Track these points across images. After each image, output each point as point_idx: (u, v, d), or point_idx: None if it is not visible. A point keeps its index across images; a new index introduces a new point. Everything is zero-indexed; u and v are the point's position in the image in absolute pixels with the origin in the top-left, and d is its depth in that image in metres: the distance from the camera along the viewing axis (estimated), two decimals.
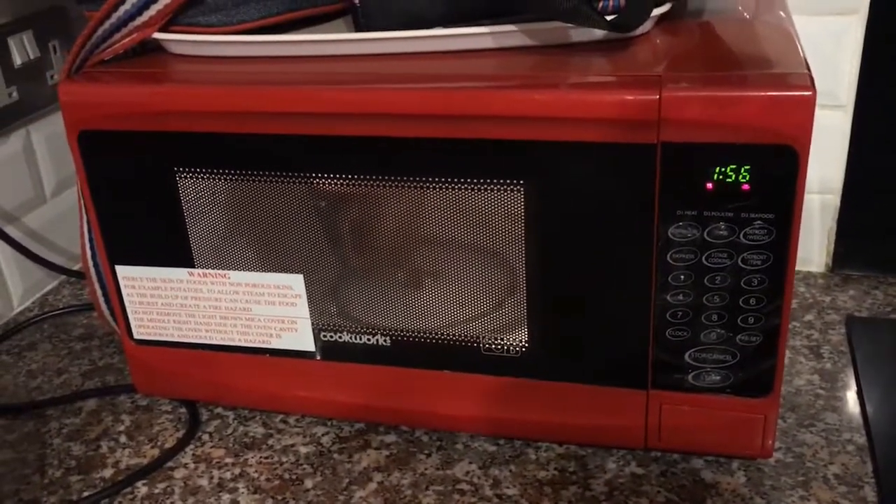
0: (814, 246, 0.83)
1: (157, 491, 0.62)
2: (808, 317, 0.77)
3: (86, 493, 0.62)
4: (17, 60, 0.82)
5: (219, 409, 0.70)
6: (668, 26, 0.60)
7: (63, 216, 0.91)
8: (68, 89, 0.59)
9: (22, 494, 0.62)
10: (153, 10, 0.58)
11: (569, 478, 0.60)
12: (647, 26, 0.57)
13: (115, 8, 0.58)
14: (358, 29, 0.59)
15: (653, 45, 0.57)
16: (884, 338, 0.73)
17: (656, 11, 0.55)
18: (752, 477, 0.59)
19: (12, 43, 0.82)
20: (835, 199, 0.81)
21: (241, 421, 0.68)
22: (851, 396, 0.67)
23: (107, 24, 0.59)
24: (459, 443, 0.65)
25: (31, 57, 0.84)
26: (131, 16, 0.58)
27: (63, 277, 0.91)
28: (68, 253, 0.92)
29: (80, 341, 0.81)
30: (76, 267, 0.92)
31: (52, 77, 0.87)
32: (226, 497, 0.61)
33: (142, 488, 0.62)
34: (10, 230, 0.84)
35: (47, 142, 0.88)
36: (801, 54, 0.52)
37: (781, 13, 0.62)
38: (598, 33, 0.56)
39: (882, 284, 0.81)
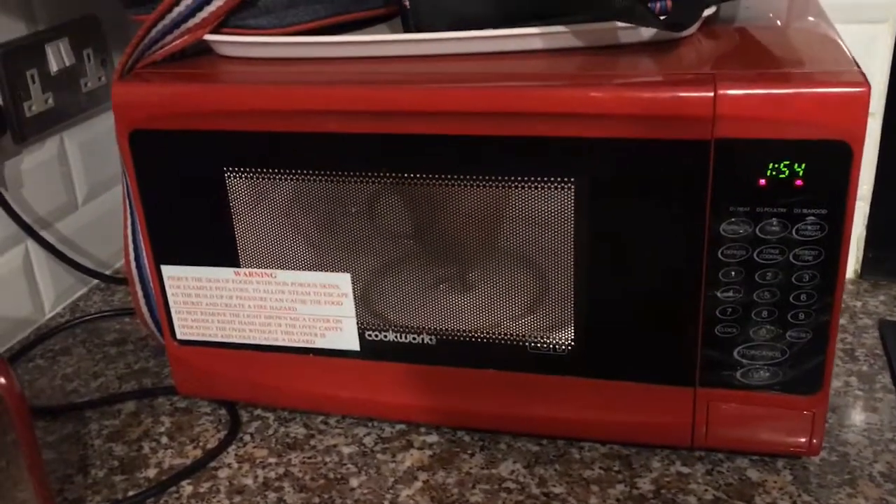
0: None
1: (202, 490, 0.62)
2: (841, 321, 0.78)
3: (131, 493, 0.62)
4: (54, 67, 0.83)
5: (258, 411, 0.70)
6: (709, 30, 0.61)
7: (94, 223, 0.92)
8: (120, 90, 0.60)
9: (66, 494, 0.62)
10: (206, 12, 0.59)
11: (615, 476, 0.61)
12: (692, 29, 0.58)
13: (170, 10, 0.58)
14: (407, 30, 0.60)
15: (698, 46, 0.58)
16: None
17: (705, 13, 0.56)
18: (799, 475, 0.60)
19: (49, 50, 0.83)
20: (864, 207, 0.82)
21: (281, 422, 0.69)
22: (890, 397, 0.67)
23: (160, 26, 0.59)
24: (502, 443, 0.65)
25: (67, 64, 0.85)
26: (184, 17, 0.59)
27: (93, 284, 0.92)
28: (98, 259, 0.93)
29: (114, 346, 0.81)
30: (108, 272, 0.92)
31: (85, 85, 0.88)
32: (272, 496, 0.61)
33: (187, 487, 0.62)
34: (43, 235, 0.84)
35: (80, 149, 0.89)
36: (849, 54, 0.53)
37: (812, 18, 0.63)
38: (646, 35, 0.57)
39: None
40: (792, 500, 0.58)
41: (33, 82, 0.81)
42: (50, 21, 0.83)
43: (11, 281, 0.82)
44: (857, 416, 0.65)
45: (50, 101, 0.83)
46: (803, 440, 0.58)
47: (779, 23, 0.63)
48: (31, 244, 0.84)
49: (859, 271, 0.84)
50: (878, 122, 0.79)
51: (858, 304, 0.80)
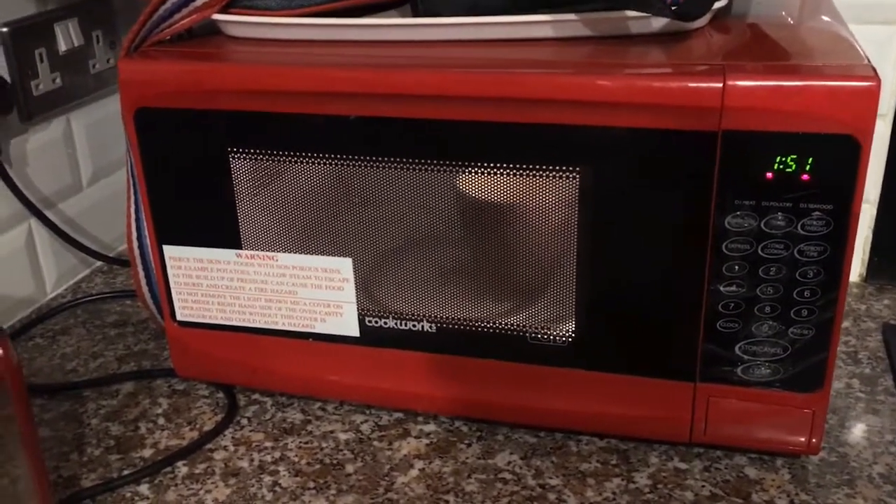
0: None
1: (197, 471, 0.62)
2: (845, 324, 0.77)
3: (126, 472, 0.62)
4: (62, 47, 0.83)
5: (256, 395, 0.70)
6: (721, 24, 0.61)
7: (98, 205, 0.92)
8: (127, 67, 0.60)
9: (61, 471, 0.62)
10: None
11: (612, 470, 0.60)
12: (703, 21, 0.58)
13: None
14: (416, 15, 0.60)
15: (709, 39, 0.57)
16: None
17: (716, 5, 0.56)
18: (797, 474, 0.59)
19: (58, 30, 0.82)
20: (871, 209, 0.82)
21: (279, 407, 0.68)
22: (892, 400, 0.67)
23: (168, 4, 0.59)
24: (500, 434, 0.64)
25: (76, 44, 0.85)
26: None
27: (96, 265, 0.91)
28: (102, 242, 0.92)
29: (114, 327, 0.81)
30: (112, 255, 0.92)
31: (93, 66, 0.88)
32: (267, 479, 0.61)
33: (182, 468, 0.62)
34: (47, 215, 0.84)
35: (86, 130, 0.89)
36: (860, 49, 0.53)
37: (825, 17, 0.63)
38: (656, 25, 0.56)
39: None
40: (789, 498, 0.57)
41: (41, 61, 0.81)
42: (59, 0, 0.83)
43: (14, 260, 0.82)
44: (858, 418, 0.65)
45: (58, 80, 0.83)
46: (802, 439, 0.58)
47: (790, 20, 0.63)
48: (35, 223, 0.84)
49: (864, 275, 0.84)
50: (888, 125, 0.78)
51: (863, 307, 0.80)
